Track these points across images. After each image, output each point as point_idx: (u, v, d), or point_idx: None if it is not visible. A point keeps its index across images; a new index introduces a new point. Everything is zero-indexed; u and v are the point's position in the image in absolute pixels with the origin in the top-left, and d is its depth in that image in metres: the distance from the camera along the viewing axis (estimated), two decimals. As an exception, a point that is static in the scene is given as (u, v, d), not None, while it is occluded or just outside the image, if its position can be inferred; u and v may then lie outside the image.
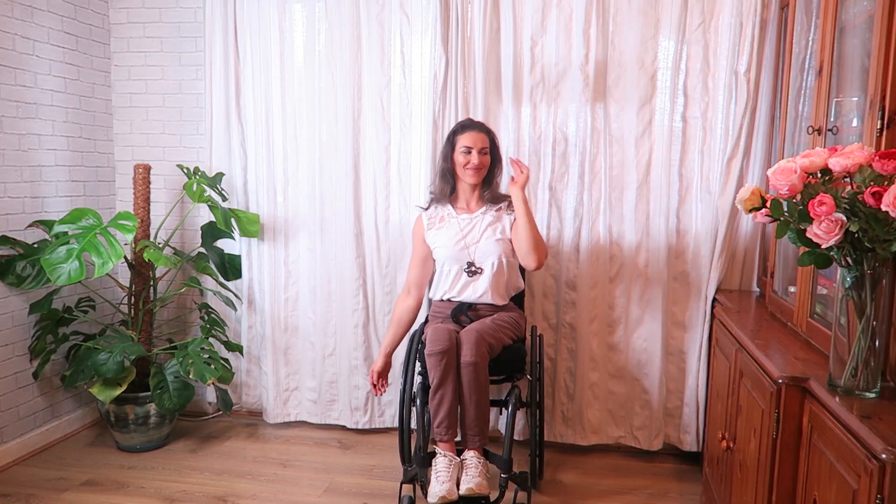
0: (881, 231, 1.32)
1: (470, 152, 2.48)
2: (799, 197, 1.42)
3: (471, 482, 2.12)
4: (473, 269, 2.50)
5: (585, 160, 2.80)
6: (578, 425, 2.92)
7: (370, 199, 3.01)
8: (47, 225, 2.84)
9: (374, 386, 2.62)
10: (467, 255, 2.50)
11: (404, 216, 2.99)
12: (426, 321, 2.65)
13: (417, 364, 2.46)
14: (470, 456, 2.21)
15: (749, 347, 1.88)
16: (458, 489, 2.14)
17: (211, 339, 3.04)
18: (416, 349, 2.46)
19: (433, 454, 2.25)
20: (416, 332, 2.56)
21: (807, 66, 2.11)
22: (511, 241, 2.50)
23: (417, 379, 2.45)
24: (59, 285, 2.58)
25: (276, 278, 3.13)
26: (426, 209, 2.65)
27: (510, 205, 2.53)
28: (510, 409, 2.31)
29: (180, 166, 3.04)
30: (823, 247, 1.37)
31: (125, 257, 2.94)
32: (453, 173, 2.55)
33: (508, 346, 2.41)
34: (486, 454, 2.25)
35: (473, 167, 2.49)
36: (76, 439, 3.06)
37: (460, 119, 2.84)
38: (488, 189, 2.56)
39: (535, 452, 2.54)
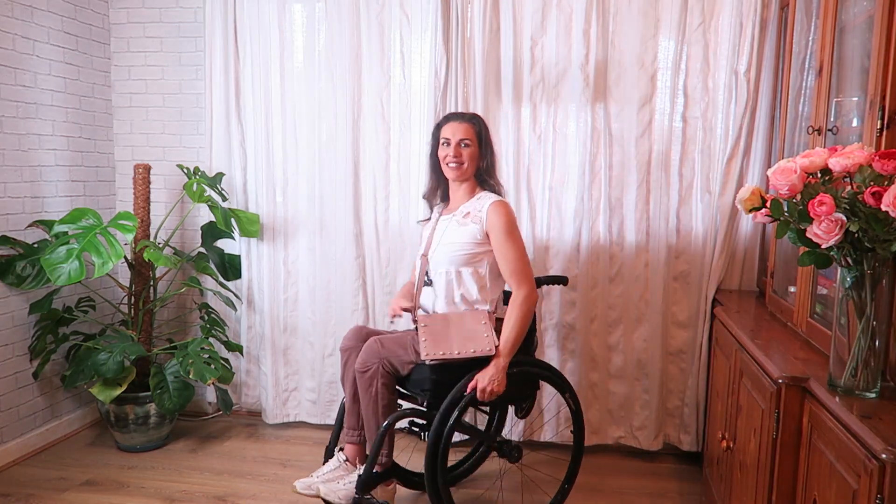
0: (881, 231, 1.32)
1: (448, 144, 2.25)
2: (799, 197, 1.42)
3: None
4: (427, 279, 2.27)
5: (585, 160, 2.80)
6: (578, 425, 2.92)
7: (370, 199, 3.01)
8: (47, 225, 2.84)
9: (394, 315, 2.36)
10: (426, 262, 2.28)
11: (404, 216, 2.99)
12: None
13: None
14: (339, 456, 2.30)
15: (749, 347, 1.88)
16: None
17: (211, 339, 3.04)
18: None
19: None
20: None
21: (807, 66, 2.11)
22: (474, 250, 2.22)
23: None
24: (59, 285, 2.58)
25: (275, 278, 3.13)
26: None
27: (490, 209, 2.21)
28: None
29: (180, 166, 3.04)
30: (823, 247, 1.37)
31: (125, 257, 2.94)
32: (440, 170, 2.33)
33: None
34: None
35: (452, 160, 2.24)
36: (76, 439, 3.06)
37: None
38: (482, 187, 2.30)
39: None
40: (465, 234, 2.22)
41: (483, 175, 2.30)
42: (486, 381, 2.08)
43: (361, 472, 2.17)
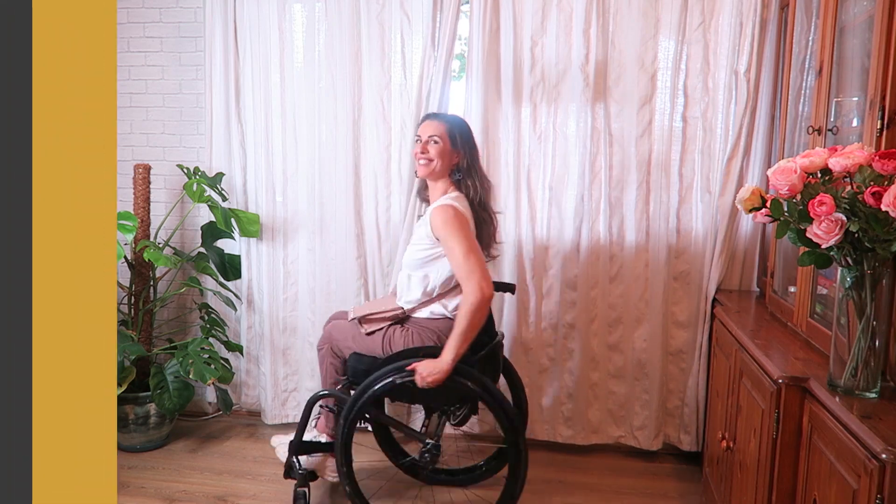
0: (881, 231, 1.32)
1: (419, 141, 2.25)
2: (799, 197, 1.42)
3: None
4: None
5: (585, 160, 2.80)
6: (578, 425, 2.92)
7: (371, 198, 3.00)
8: (47, 225, 2.84)
9: None
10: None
11: (406, 215, 2.99)
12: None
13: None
14: None
15: (749, 347, 1.88)
16: None
17: (211, 339, 3.04)
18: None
19: None
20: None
21: (807, 66, 2.11)
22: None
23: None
24: (59, 285, 2.58)
25: (275, 278, 3.12)
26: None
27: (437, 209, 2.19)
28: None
29: (180, 166, 3.04)
30: (823, 247, 1.37)
31: (125, 257, 2.94)
32: None
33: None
34: None
35: (420, 156, 2.23)
36: (76, 439, 3.06)
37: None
38: (458, 187, 2.27)
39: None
40: (421, 234, 2.24)
41: (460, 174, 2.26)
42: (426, 369, 2.07)
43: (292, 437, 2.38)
